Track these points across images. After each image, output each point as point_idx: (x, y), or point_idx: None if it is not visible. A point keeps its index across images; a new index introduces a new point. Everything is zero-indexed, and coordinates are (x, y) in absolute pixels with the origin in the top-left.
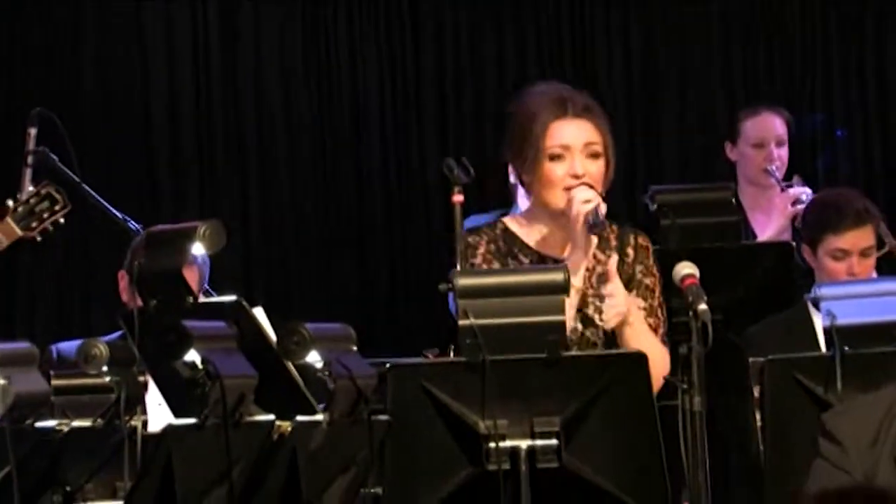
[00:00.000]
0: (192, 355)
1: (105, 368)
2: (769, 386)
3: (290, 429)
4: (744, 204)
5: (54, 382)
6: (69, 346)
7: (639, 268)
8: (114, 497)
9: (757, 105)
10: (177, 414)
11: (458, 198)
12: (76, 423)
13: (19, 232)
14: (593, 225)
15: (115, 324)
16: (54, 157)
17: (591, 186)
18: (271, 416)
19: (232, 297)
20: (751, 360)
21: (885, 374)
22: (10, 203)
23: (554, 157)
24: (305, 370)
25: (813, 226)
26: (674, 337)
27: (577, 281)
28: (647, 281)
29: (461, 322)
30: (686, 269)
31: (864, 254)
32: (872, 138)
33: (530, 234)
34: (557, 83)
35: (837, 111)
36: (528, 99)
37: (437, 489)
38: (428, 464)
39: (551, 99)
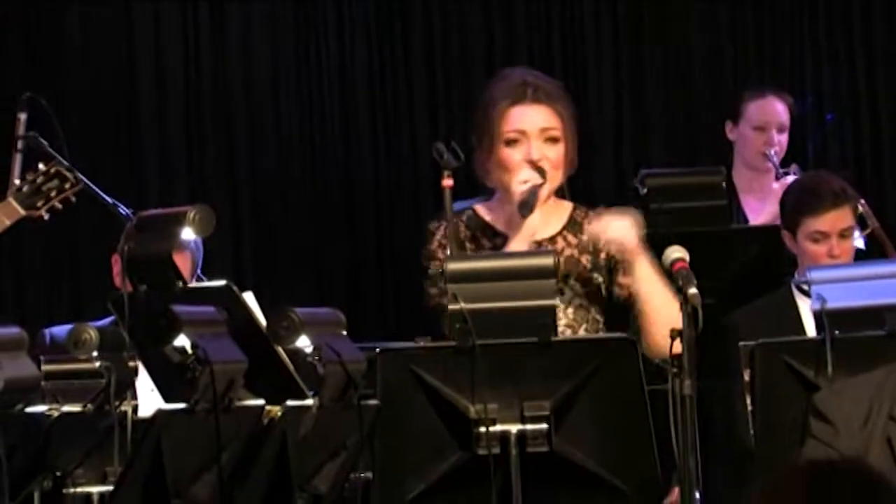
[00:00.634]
0: (182, 340)
1: (95, 353)
2: (759, 370)
3: (279, 414)
4: (737, 185)
5: (44, 367)
6: (62, 331)
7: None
8: (104, 482)
9: (762, 87)
10: (167, 399)
11: (447, 182)
12: (66, 408)
13: (22, 211)
14: (521, 205)
15: (105, 309)
16: (44, 141)
17: (542, 170)
18: (261, 401)
19: (221, 282)
20: (741, 343)
21: (875, 357)
22: (17, 182)
23: (510, 142)
24: (295, 355)
25: (791, 210)
26: None
27: None
28: None
29: (451, 307)
30: (676, 252)
31: (843, 235)
32: (862, 122)
33: (497, 219)
34: (525, 69)
35: (826, 95)
36: (490, 85)
37: (427, 474)
38: (418, 448)
39: (511, 85)
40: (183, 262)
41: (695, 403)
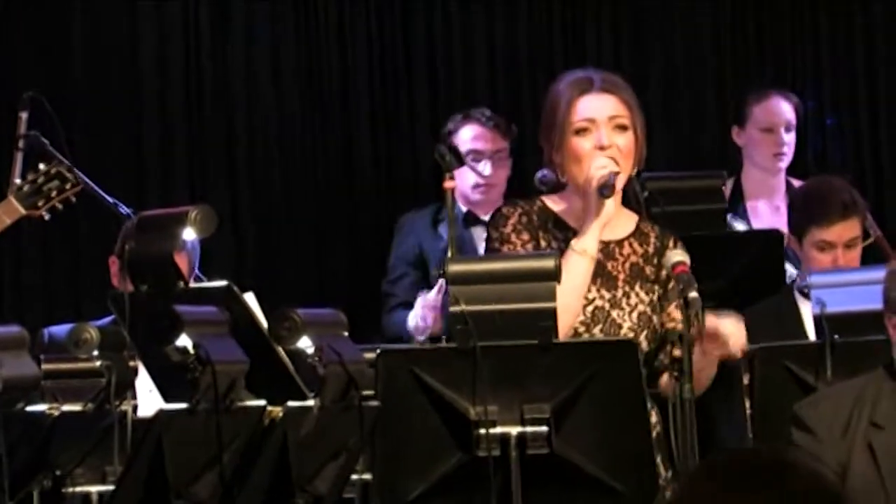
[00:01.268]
0: (184, 340)
1: (95, 353)
2: (759, 373)
3: (280, 414)
4: (746, 189)
5: (44, 366)
6: (61, 330)
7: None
8: (103, 482)
9: (766, 89)
10: (167, 399)
11: (449, 184)
12: (66, 408)
13: (22, 210)
14: (603, 187)
15: (104, 308)
16: (45, 140)
17: (614, 159)
18: (262, 402)
19: (222, 283)
20: None
21: (874, 362)
22: (17, 181)
23: (580, 132)
24: (295, 356)
25: (799, 217)
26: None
27: (590, 248)
28: None
29: (452, 308)
30: (677, 256)
31: (848, 245)
32: (861, 127)
33: (566, 211)
34: (590, 68)
35: (826, 100)
36: (556, 84)
37: (427, 475)
38: (418, 450)
39: (576, 79)
40: (180, 262)
41: (694, 407)
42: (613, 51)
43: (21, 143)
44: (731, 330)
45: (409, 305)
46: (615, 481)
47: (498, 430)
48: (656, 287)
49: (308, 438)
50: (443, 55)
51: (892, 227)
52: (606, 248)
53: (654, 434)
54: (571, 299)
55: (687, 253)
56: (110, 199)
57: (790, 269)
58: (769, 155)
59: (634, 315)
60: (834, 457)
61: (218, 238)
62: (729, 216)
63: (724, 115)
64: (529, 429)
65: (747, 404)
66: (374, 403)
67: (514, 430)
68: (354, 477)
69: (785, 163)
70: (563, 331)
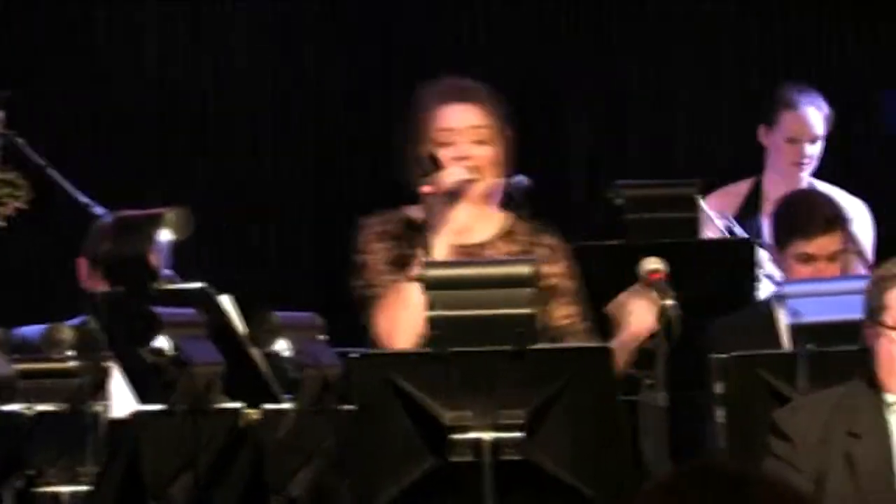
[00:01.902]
0: (162, 341)
1: (70, 353)
2: (733, 382)
3: (257, 417)
4: (766, 191)
5: (19, 366)
6: (33, 331)
7: (557, 269)
8: (75, 482)
9: (799, 95)
10: (141, 400)
11: (427, 189)
12: (40, 408)
13: None
14: (449, 193)
15: (74, 308)
16: (21, 140)
17: (475, 167)
18: (239, 404)
19: (198, 284)
20: (714, 356)
21: (849, 372)
22: None
23: (441, 143)
24: (270, 359)
25: (782, 227)
26: None
27: (438, 253)
28: (571, 284)
29: (428, 313)
30: (652, 263)
31: (831, 258)
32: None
33: (426, 220)
34: (454, 77)
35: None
36: (419, 92)
37: (400, 479)
38: (391, 454)
39: (442, 87)
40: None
41: (667, 415)
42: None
43: None
44: (637, 308)
45: None
46: (589, 488)
47: (471, 435)
48: None
49: (283, 442)
50: (426, 62)
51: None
52: (465, 253)
53: None
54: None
55: (662, 260)
56: (84, 199)
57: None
58: (790, 164)
59: None
60: (811, 465)
61: (190, 239)
62: (730, 221)
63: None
64: (503, 434)
65: (721, 412)
66: (350, 407)
67: (488, 436)
68: (328, 481)
69: (806, 173)
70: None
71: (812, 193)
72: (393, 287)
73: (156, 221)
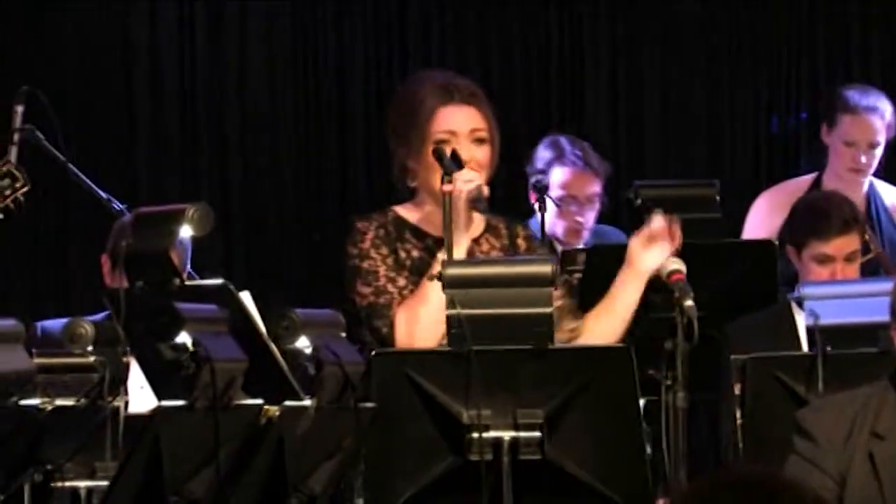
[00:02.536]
0: (183, 337)
1: (90, 348)
2: (750, 384)
3: (277, 413)
4: (826, 188)
5: (38, 361)
6: (54, 325)
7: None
8: (92, 477)
9: (861, 97)
10: (159, 396)
11: (447, 187)
12: (59, 402)
13: None
14: (475, 201)
15: (95, 304)
16: (41, 135)
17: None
18: (259, 401)
19: (218, 281)
20: (732, 357)
21: (867, 374)
22: None
23: (440, 143)
24: (289, 356)
25: (799, 229)
26: (655, 332)
27: (459, 254)
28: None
29: (448, 311)
30: (674, 264)
31: (848, 259)
32: None
33: (423, 219)
34: (443, 70)
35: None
36: (414, 85)
37: (419, 478)
38: (410, 452)
39: (437, 84)
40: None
41: (687, 415)
42: (611, 56)
43: (16, 138)
44: (649, 251)
45: None
46: (607, 489)
47: (490, 434)
48: None
49: (303, 438)
50: (438, 60)
51: None
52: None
53: None
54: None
55: (681, 260)
56: (104, 195)
57: None
58: (847, 168)
59: None
60: (834, 465)
61: (209, 236)
62: None
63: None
64: (522, 434)
65: (738, 413)
66: (370, 405)
67: (507, 435)
68: (348, 477)
69: (863, 178)
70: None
71: (828, 194)
72: (396, 288)
73: (177, 218)
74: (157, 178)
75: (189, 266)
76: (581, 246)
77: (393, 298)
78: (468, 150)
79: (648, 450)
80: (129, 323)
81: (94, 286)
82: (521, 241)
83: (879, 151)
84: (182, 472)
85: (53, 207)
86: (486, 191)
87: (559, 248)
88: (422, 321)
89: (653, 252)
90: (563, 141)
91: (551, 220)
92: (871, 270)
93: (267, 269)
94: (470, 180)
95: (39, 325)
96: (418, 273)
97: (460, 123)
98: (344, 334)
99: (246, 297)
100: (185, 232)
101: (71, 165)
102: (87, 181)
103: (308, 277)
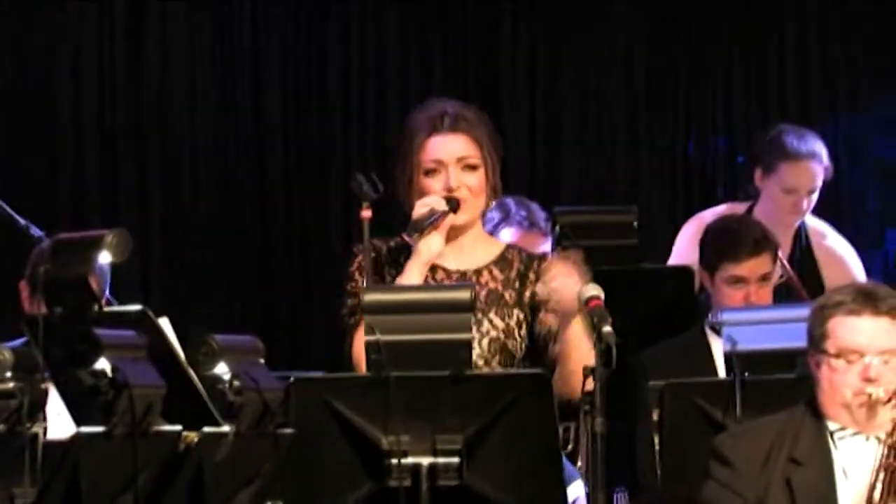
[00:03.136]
0: (102, 363)
1: (8, 374)
2: (668, 409)
3: (196, 440)
4: None
5: None
6: None
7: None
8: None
9: (799, 142)
10: (78, 422)
11: (366, 213)
12: None
13: None
14: (411, 224)
15: (14, 331)
16: None
17: (455, 202)
18: (178, 427)
19: (137, 307)
20: (650, 383)
21: (784, 400)
22: None
23: (428, 172)
24: (208, 382)
25: (711, 252)
26: None
27: (408, 279)
28: None
29: (366, 338)
30: (591, 290)
31: (761, 280)
32: None
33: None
34: (445, 100)
35: (738, 135)
36: (409, 120)
37: (339, 503)
38: (330, 478)
39: (427, 116)
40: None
41: (605, 441)
42: (528, 84)
43: None
44: (561, 283)
45: None
46: None
47: (409, 460)
48: (516, 311)
49: (223, 464)
50: (357, 84)
51: None
52: (463, 279)
53: None
54: None
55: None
56: (22, 221)
57: None
58: (786, 213)
59: (485, 342)
60: (752, 491)
61: (127, 262)
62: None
63: (635, 146)
64: (441, 459)
65: (656, 439)
66: (289, 431)
67: (426, 461)
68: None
69: (799, 222)
70: None
71: (738, 217)
72: None
73: (95, 244)
74: (77, 204)
75: (108, 292)
76: None
77: (360, 322)
78: (457, 178)
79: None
80: (48, 349)
81: (13, 312)
82: (532, 274)
83: (816, 195)
84: (101, 499)
85: None
86: (446, 221)
87: None
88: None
89: (562, 285)
90: (510, 202)
91: None
92: (782, 294)
93: (185, 295)
94: (425, 204)
95: None
96: None
97: (446, 153)
98: (262, 360)
99: (164, 322)
100: (104, 258)
101: None
102: (5, 206)
103: (227, 302)
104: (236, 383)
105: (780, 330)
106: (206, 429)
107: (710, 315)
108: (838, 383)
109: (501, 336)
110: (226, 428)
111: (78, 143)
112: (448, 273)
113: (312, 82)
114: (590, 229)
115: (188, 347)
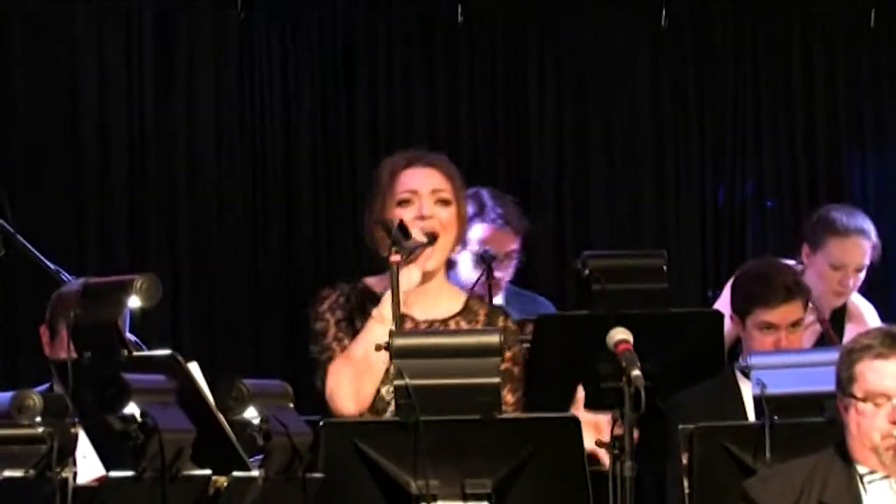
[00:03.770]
0: (131, 408)
1: (38, 419)
2: (698, 453)
3: (225, 484)
4: None
5: None
6: (2, 397)
7: (508, 354)
8: None
9: (849, 219)
10: (107, 466)
11: (395, 258)
12: (7, 473)
13: None
14: (395, 240)
15: (40, 375)
16: None
17: (434, 236)
18: (208, 471)
19: (166, 352)
20: (680, 426)
21: (814, 444)
22: None
23: (402, 203)
24: (238, 426)
25: (742, 298)
26: (604, 402)
27: (387, 314)
28: (517, 371)
29: (396, 382)
30: (620, 334)
31: (792, 326)
32: (801, 209)
33: (385, 289)
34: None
35: (767, 181)
36: (383, 160)
37: None
38: None
39: (403, 154)
40: None
41: (633, 485)
42: (556, 129)
43: None
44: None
45: None
46: None
47: None
48: None
49: None
50: (385, 126)
51: None
52: (430, 327)
53: None
54: (375, 359)
55: (628, 330)
56: (52, 266)
57: None
58: (831, 290)
59: None
60: None
61: (157, 307)
62: None
63: (662, 189)
64: None
65: (686, 483)
66: (318, 475)
67: None
68: None
69: (844, 300)
70: (370, 392)
71: (771, 263)
72: (341, 348)
73: (125, 288)
74: (105, 249)
75: (128, 332)
76: (502, 303)
77: (333, 356)
78: (430, 208)
79: None
80: (77, 393)
81: (35, 358)
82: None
83: (864, 273)
84: None
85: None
86: (426, 252)
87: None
88: (342, 378)
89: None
90: (485, 196)
91: (468, 274)
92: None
93: (215, 340)
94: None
95: None
96: None
97: (421, 183)
98: (292, 405)
99: (194, 367)
100: (133, 302)
101: (19, 237)
102: (34, 251)
103: (257, 348)
104: (265, 427)
105: (809, 374)
106: (236, 473)
107: (739, 359)
108: (866, 427)
109: None
110: (255, 472)
111: (104, 187)
112: (416, 323)
113: (341, 127)
114: (619, 273)
115: (217, 392)
